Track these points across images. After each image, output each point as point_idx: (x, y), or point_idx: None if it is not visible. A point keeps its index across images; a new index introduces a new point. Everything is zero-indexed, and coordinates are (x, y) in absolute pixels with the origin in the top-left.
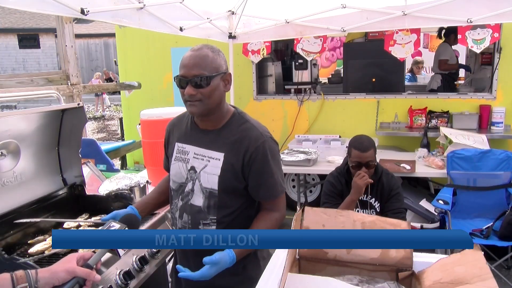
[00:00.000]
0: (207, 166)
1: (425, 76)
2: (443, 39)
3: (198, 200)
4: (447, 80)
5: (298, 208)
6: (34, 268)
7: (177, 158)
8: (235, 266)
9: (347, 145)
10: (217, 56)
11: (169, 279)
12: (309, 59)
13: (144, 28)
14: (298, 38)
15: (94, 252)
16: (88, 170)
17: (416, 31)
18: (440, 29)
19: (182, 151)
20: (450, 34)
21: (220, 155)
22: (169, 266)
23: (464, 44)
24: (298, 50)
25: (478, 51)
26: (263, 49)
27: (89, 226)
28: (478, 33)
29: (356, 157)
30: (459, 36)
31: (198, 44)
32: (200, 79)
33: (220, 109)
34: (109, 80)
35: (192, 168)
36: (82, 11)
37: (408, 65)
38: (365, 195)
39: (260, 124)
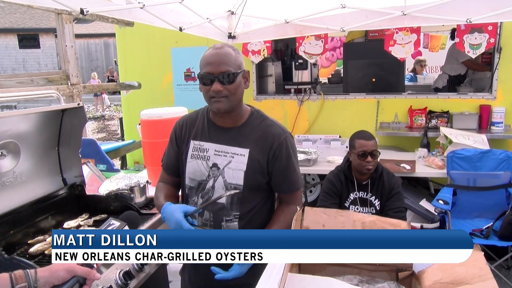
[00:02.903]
0: (231, 162)
1: (426, 76)
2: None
3: None
4: (453, 81)
5: (298, 208)
6: (34, 268)
7: (194, 156)
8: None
9: (348, 144)
10: (238, 54)
11: (170, 279)
12: (312, 61)
13: (144, 22)
14: (300, 41)
15: None
16: (88, 170)
17: (416, 31)
18: (453, 30)
19: (199, 149)
20: None
21: (245, 151)
22: (169, 266)
23: (461, 48)
24: (301, 53)
25: (473, 56)
26: (264, 49)
27: (89, 226)
28: (476, 38)
29: (361, 147)
30: (456, 40)
31: (218, 43)
32: (227, 75)
33: (240, 106)
34: (110, 79)
35: (215, 165)
36: (82, 12)
37: (408, 65)
38: (365, 193)
39: (278, 121)
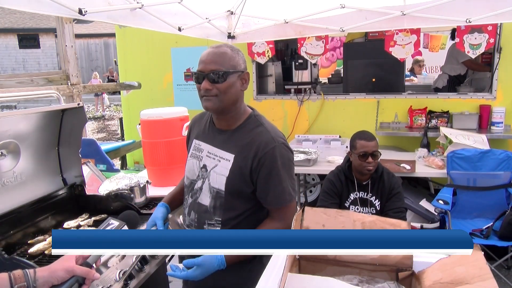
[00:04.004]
0: (217, 166)
1: (426, 76)
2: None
3: (205, 199)
4: (453, 81)
5: (298, 208)
6: (33, 268)
7: (193, 155)
8: (241, 269)
9: (348, 144)
10: (236, 55)
11: (170, 279)
12: (313, 61)
13: (142, 27)
14: (302, 42)
15: None
16: (88, 170)
17: (416, 32)
18: (453, 30)
19: (197, 149)
20: None
21: (231, 157)
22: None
23: (461, 48)
24: (302, 54)
25: (473, 56)
26: (268, 51)
27: (89, 226)
28: (475, 38)
29: (362, 147)
30: (456, 40)
31: (218, 44)
32: (217, 74)
33: (236, 109)
34: (110, 79)
35: (204, 166)
36: (80, 11)
37: (408, 65)
38: (366, 193)
39: (275, 129)
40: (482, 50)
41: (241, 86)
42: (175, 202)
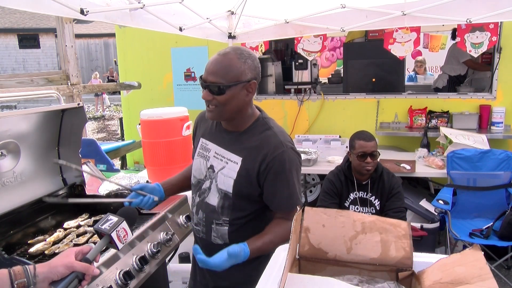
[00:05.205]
0: (224, 168)
1: (429, 76)
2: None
3: (213, 199)
4: (453, 81)
5: (298, 208)
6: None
7: (199, 154)
8: (247, 265)
9: (348, 143)
10: (242, 63)
11: (170, 279)
12: (310, 58)
13: (143, 27)
14: (298, 38)
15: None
16: (88, 170)
17: (416, 29)
18: (454, 30)
19: (204, 148)
20: None
21: (239, 159)
22: (169, 266)
23: (462, 47)
24: (299, 50)
25: (475, 55)
26: (261, 45)
27: (89, 226)
28: (477, 37)
29: (361, 147)
30: (458, 39)
31: (228, 47)
32: (215, 87)
33: (241, 115)
34: (110, 79)
35: (211, 167)
36: (82, 11)
37: (408, 65)
38: (365, 193)
39: (283, 132)
40: (484, 48)
41: (245, 96)
42: (170, 188)
